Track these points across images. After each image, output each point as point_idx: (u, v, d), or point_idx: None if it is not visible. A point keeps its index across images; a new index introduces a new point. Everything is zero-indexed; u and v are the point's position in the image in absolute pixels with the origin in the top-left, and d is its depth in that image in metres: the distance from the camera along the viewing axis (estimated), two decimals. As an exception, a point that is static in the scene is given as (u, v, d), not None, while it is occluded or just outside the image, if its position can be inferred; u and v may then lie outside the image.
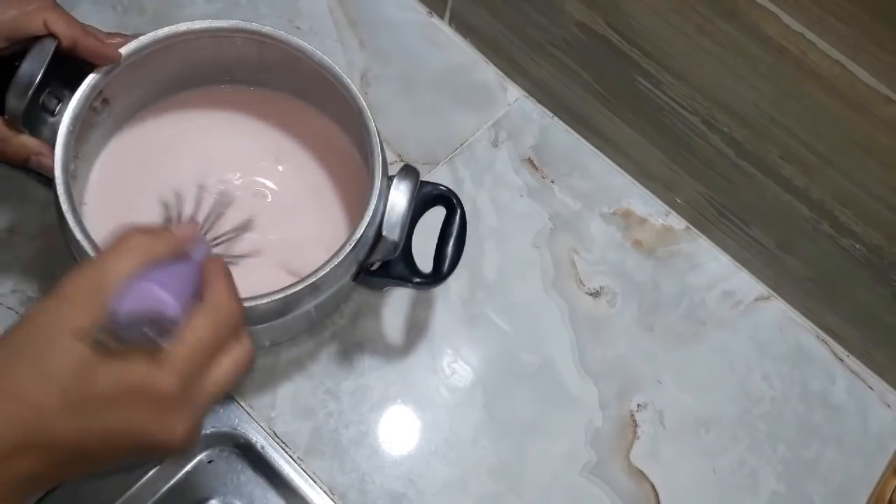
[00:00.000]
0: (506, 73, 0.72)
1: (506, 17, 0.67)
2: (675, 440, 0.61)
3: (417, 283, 0.53)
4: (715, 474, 0.60)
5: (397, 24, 0.73)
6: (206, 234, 0.45)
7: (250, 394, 0.58)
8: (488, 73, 0.73)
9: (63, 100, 0.50)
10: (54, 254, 0.59)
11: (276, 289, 0.47)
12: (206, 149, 0.58)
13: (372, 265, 0.53)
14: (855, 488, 0.61)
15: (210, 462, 0.57)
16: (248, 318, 0.47)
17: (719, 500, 0.60)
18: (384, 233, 0.50)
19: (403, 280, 0.53)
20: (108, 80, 0.51)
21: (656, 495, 0.59)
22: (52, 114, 0.50)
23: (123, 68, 0.52)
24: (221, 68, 0.58)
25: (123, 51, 0.51)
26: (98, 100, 0.52)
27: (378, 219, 0.50)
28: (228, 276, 0.38)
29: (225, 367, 0.35)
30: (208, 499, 0.56)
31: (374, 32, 0.72)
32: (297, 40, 0.53)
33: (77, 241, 0.47)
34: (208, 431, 0.56)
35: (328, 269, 0.48)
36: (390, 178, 0.52)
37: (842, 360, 0.66)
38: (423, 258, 0.55)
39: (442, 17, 0.73)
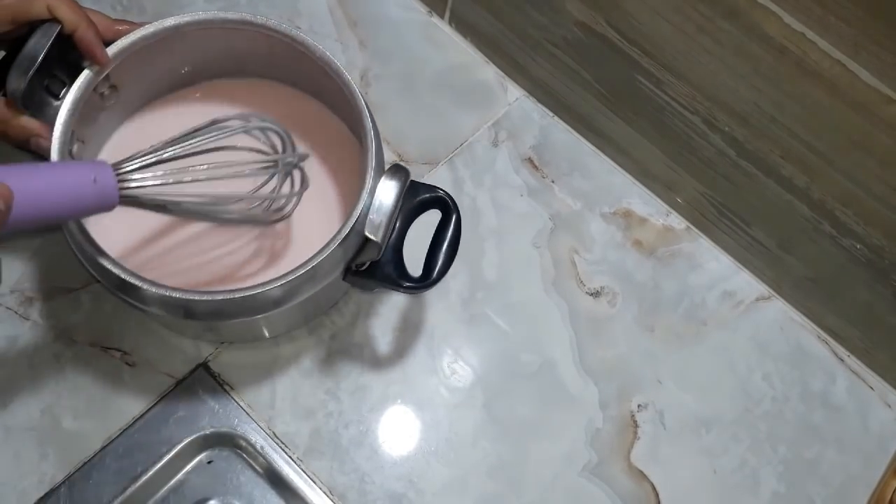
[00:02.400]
0: (506, 73, 0.72)
1: (506, 17, 0.67)
2: (675, 440, 0.61)
3: (406, 288, 0.52)
4: (715, 474, 0.60)
5: (397, 23, 0.73)
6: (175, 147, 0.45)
7: (250, 394, 0.58)
8: (488, 72, 0.73)
9: (68, 84, 0.50)
10: (54, 253, 0.59)
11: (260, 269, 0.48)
12: None
13: (361, 265, 0.52)
14: (855, 488, 0.61)
15: (210, 462, 0.57)
16: (243, 309, 0.48)
17: (720, 501, 0.59)
18: (366, 232, 0.49)
19: (391, 283, 0.52)
20: (113, 67, 0.51)
21: (656, 495, 0.59)
22: (57, 97, 0.50)
23: (131, 55, 0.52)
24: (232, 61, 0.58)
25: (129, 38, 0.51)
26: (105, 86, 0.52)
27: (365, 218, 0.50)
28: None
29: None
30: (208, 499, 0.56)
31: (374, 32, 0.72)
32: (301, 35, 0.53)
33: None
34: (208, 432, 0.56)
35: (315, 262, 0.47)
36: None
37: (842, 360, 0.66)
38: (417, 262, 0.54)
39: (442, 16, 0.73)
